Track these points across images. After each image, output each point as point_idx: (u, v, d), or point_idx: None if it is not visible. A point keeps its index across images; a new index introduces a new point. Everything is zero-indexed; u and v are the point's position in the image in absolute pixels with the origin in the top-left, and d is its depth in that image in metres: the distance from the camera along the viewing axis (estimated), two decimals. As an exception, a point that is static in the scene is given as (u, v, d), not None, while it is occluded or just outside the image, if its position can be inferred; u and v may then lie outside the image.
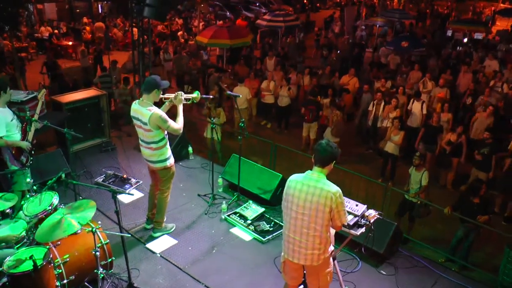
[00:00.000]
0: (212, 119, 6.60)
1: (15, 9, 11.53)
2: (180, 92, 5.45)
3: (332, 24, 23.55)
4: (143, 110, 5.08)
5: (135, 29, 10.73)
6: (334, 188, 3.73)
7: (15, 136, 5.41)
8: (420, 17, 28.49)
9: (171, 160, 5.45)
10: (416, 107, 10.36)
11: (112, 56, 12.31)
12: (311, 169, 3.86)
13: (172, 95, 5.43)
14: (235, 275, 5.22)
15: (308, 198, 3.73)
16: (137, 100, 5.25)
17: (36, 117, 5.54)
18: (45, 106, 6.48)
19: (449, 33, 20.69)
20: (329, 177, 3.85)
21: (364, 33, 20.55)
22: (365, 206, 4.45)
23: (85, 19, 21.61)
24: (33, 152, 5.56)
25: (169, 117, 5.20)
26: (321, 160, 3.81)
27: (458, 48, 18.39)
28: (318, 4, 35.61)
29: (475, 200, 6.68)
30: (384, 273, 5.46)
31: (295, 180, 3.86)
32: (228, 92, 7.11)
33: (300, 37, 20.23)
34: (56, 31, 20.48)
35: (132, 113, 5.26)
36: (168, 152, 5.39)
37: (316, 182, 3.75)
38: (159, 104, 5.34)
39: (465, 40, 19.48)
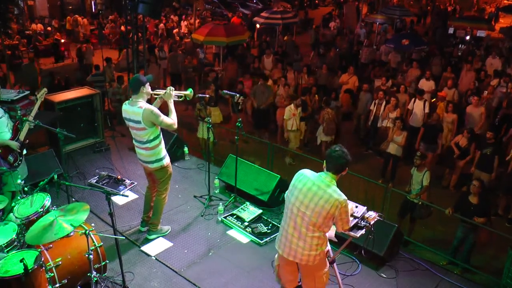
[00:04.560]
0: (208, 118, 6.44)
1: (4, 5, 11.33)
2: (170, 87, 5.38)
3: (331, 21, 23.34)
4: (134, 109, 5.03)
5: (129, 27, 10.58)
6: (342, 197, 3.70)
7: (4, 135, 5.27)
8: (421, 14, 28.34)
9: (167, 159, 5.39)
10: (417, 106, 10.13)
11: (105, 54, 12.11)
12: (321, 171, 3.82)
13: (162, 91, 5.35)
14: (231, 278, 5.14)
15: (315, 199, 3.68)
16: (126, 101, 5.20)
17: (30, 118, 5.39)
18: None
19: (451, 30, 20.51)
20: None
21: (363, 31, 20.39)
22: (365, 207, 4.39)
23: (77, 17, 21.33)
24: (24, 152, 5.43)
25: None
26: (336, 167, 3.77)
27: (460, 46, 18.18)
28: (316, 1, 35.35)
29: (474, 201, 6.60)
30: (384, 276, 5.38)
31: (307, 176, 3.81)
32: (225, 91, 7.01)
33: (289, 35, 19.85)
34: (49, 28, 20.18)
35: (123, 115, 5.22)
36: (163, 150, 5.33)
37: (327, 186, 3.71)
38: (150, 102, 5.26)
39: (468, 37, 19.20)
